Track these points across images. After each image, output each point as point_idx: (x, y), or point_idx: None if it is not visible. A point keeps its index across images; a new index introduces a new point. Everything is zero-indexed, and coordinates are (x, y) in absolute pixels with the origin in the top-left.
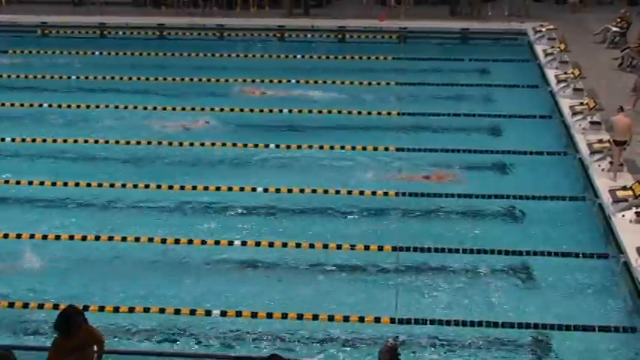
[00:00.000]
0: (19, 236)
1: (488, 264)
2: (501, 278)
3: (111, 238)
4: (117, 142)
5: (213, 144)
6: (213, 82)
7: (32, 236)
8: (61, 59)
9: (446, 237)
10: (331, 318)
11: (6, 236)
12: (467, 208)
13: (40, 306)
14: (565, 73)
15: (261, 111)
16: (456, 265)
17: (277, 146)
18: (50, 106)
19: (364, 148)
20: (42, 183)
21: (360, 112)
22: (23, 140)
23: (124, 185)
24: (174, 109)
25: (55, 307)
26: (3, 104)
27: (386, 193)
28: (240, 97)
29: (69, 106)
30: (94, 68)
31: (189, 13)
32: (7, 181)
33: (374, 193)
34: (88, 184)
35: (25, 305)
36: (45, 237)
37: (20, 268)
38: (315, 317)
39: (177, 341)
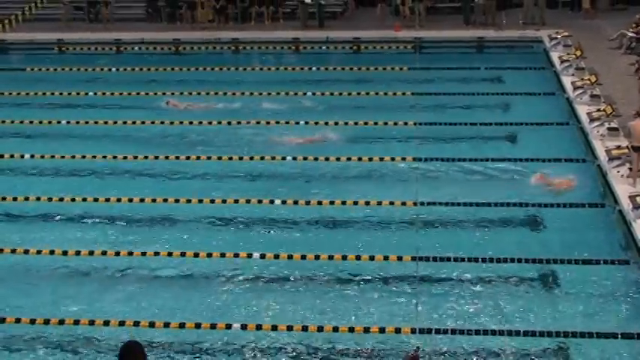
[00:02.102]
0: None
1: (507, 272)
2: (522, 286)
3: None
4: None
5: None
6: (230, 96)
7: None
8: (79, 76)
9: (466, 246)
10: (351, 329)
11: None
12: (485, 217)
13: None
14: (581, 79)
15: (278, 122)
16: (476, 274)
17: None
18: (68, 123)
19: (381, 159)
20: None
21: (376, 123)
22: (42, 157)
23: None
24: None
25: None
26: (22, 121)
27: (404, 203)
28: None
29: (86, 123)
30: (110, 84)
31: (204, 27)
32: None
33: (392, 203)
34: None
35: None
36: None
37: None
38: (335, 329)
39: None
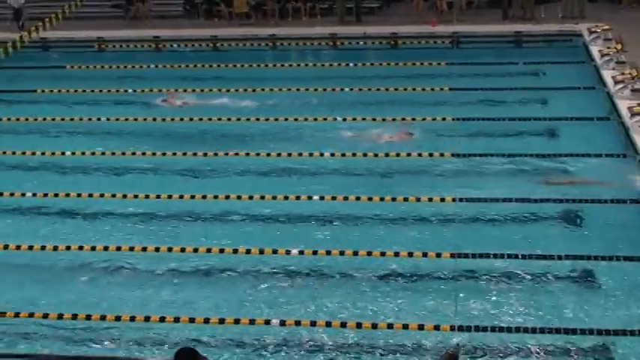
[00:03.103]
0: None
1: (547, 269)
2: (561, 284)
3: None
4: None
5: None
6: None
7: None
8: (118, 73)
9: (505, 242)
10: (390, 326)
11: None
12: (526, 213)
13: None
14: (622, 74)
15: (315, 119)
16: (515, 271)
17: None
18: (108, 119)
19: (419, 155)
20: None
21: (414, 119)
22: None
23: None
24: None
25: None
26: (62, 118)
27: (442, 199)
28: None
29: (126, 119)
30: (149, 81)
31: (241, 24)
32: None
33: (430, 200)
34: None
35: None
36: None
37: None
38: (375, 326)
39: None
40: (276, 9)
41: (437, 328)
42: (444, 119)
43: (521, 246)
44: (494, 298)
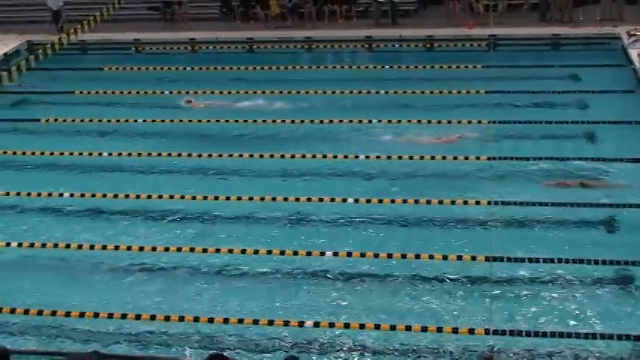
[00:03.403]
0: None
1: (584, 273)
2: (599, 288)
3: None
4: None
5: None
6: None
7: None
8: (155, 75)
9: (541, 246)
10: (424, 329)
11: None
12: (562, 217)
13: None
14: None
15: (350, 122)
16: (551, 276)
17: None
18: (144, 121)
19: (455, 158)
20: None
21: (449, 122)
22: (119, 154)
23: None
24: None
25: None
26: (100, 120)
27: (478, 202)
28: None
29: (162, 121)
30: (185, 83)
31: (277, 26)
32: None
33: (465, 203)
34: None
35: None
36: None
37: None
38: (408, 328)
39: None
40: (312, 11)
41: (471, 331)
42: (479, 122)
43: (558, 250)
44: (529, 302)
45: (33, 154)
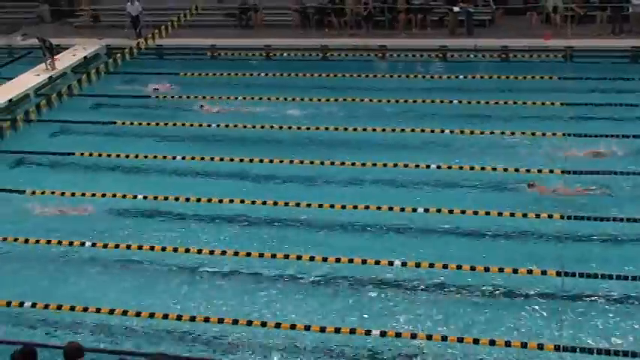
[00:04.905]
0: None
1: None
2: None
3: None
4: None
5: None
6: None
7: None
8: (229, 80)
9: (613, 262)
10: (492, 342)
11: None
12: (635, 231)
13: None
14: None
15: (422, 131)
16: (624, 292)
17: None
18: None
19: (528, 171)
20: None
21: (523, 133)
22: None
23: None
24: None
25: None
26: (175, 124)
27: (550, 216)
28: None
29: (235, 126)
30: (259, 88)
31: (352, 34)
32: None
33: (537, 216)
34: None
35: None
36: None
37: None
38: (476, 341)
39: None
40: (387, 20)
41: (540, 347)
42: (554, 134)
43: (628, 266)
44: (600, 319)
45: (109, 156)
